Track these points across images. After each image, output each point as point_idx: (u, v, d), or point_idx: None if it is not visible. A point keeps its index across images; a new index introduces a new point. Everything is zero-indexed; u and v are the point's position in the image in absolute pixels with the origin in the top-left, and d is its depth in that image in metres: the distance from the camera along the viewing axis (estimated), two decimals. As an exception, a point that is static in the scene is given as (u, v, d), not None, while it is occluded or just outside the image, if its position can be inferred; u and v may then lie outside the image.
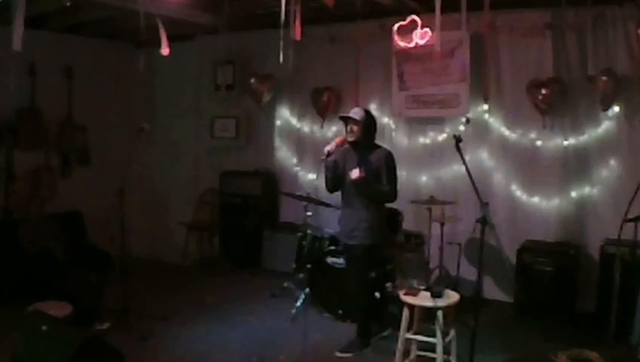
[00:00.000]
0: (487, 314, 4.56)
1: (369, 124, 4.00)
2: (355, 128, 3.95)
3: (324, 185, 4.19)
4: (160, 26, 4.32)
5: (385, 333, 4.28)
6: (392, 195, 4.02)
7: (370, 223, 4.00)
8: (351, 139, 3.98)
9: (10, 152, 5.56)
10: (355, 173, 3.87)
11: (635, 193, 3.76)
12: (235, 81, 6.54)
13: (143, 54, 5.13)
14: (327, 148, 3.95)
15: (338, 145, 3.98)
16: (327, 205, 5.08)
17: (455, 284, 4.92)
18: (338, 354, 4.02)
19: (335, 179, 4.10)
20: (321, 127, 6.07)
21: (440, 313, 3.37)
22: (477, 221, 3.09)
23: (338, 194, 4.25)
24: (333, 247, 4.86)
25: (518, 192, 5.21)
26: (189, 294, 5.45)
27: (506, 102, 5.22)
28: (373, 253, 4.07)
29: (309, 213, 5.23)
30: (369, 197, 3.97)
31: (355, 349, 4.06)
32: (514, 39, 5.10)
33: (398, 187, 4.10)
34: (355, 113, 3.98)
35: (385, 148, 4.10)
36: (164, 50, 4.39)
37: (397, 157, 4.17)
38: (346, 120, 4.00)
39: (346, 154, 4.07)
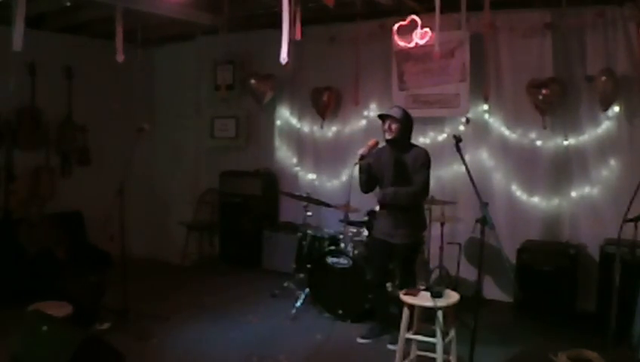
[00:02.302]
0: (487, 314, 4.55)
1: (406, 123, 4.06)
2: (393, 126, 4.01)
3: (358, 186, 4.20)
4: (118, 30, 4.32)
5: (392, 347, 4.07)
6: (417, 193, 4.01)
7: (413, 221, 4.10)
8: (389, 137, 4.03)
9: (10, 152, 5.56)
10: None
11: (635, 193, 3.75)
12: (235, 81, 6.54)
13: (138, 52, 5.11)
14: (361, 151, 4.01)
15: (371, 148, 4.03)
16: (327, 205, 5.09)
17: (455, 284, 4.92)
18: (360, 341, 4.25)
19: (370, 181, 4.15)
20: (321, 127, 6.07)
21: (440, 313, 3.36)
22: (477, 221, 3.09)
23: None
24: (333, 247, 4.85)
25: (518, 192, 5.20)
26: (189, 294, 5.45)
27: (506, 102, 5.22)
28: (415, 250, 4.26)
29: (309, 213, 5.25)
30: (404, 205, 4.04)
31: (374, 335, 4.27)
32: (514, 39, 5.10)
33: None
34: (394, 112, 4.05)
35: (422, 148, 4.14)
36: (119, 57, 4.41)
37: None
38: (385, 118, 4.05)
39: (381, 154, 4.11)
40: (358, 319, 4.56)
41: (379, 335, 4.26)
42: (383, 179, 4.11)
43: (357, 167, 4.08)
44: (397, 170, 4.03)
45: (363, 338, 4.27)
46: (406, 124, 4.05)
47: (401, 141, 4.05)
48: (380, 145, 4.09)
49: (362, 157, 4.00)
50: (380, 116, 4.13)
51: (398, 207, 4.03)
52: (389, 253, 4.17)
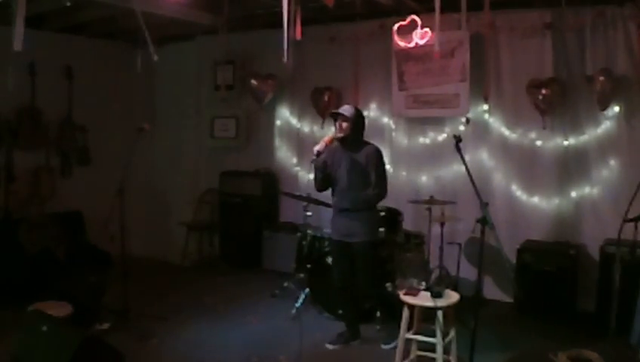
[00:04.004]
0: (487, 314, 4.56)
1: (358, 121, 4.05)
2: (344, 125, 4.00)
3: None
4: (143, 31, 4.32)
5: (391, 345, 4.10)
6: (381, 195, 4.08)
7: (368, 220, 4.07)
8: (339, 135, 4.02)
9: (10, 152, 5.56)
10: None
11: (635, 193, 3.76)
12: (235, 81, 6.54)
13: (140, 54, 5.11)
14: (317, 147, 3.99)
15: (327, 144, 4.02)
16: (327, 205, 5.07)
17: (455, 284, 4.92)
18: (328, 346, 4.17)
19: (325, 179, 4.15)
20: (322, 127, 6.06)
21: (440, 313, 3.37)
22: (477, 221, 3.09)
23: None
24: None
25: (518, 192, 5.21)
26: (189, 294, 5.45)
27: (506, 102, 5.22)
28: (374, 248, 4.18)
29: (309, 213, 5.24)
30: (360, 208, 4.04)
31: (342, 341, 4.22)
32: (514, 39, 5.10)
33: (397, 186, 4.12)
34: (345, 110, 4.04)
35: (373, 145, 4.13)
36: (154, 57, 4.41)
37: (397, 157, 4.18)
38: (336, 116, 4.06)
39: (335, 152, 4.11)
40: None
41: (348, 342, 4.22)
42: (336, 177, 4.10)
43: (313, 165, 4.07)
44: (350, 169, 4.02)
45: (331, 344, 4.19)
46: (357, 123, 4.03)
47: (353, 139, 4.04)
48: (335, 143, 4.08)
49: (319, 154, 3.99)
50: (332, 114, 4.13)
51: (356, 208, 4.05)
52: (349, 253, 4.13)
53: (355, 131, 4.03)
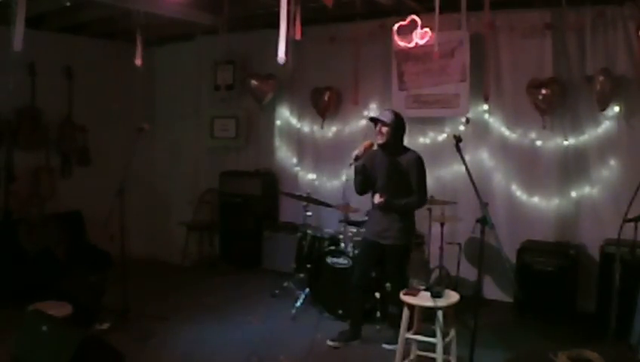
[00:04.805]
0: (487, 314, 4.56)
1: (398, 126, 4.03)
2: (384, 130, 3.98)
3: (353, 187, 4.21)
4: (138, 36, 4.33)
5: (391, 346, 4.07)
6: (421, 203, 4.09)
7: (404, 224, 4.06)
8: (380, 141, 4.01)
9: (10, 152, 5.56)
10: (377, 199, 4.03)
11: (635, 193, 3.76)
12: (235, 81, 6.54)
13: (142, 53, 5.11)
14: (356, 152, 3.98)
15: (367, 149, 4.01)
16: (328, 205, 5.09)
17: (455, 284, 4.93)
18: (329, 343, 4.18)
19: (365, 182, 4.14)
20: (321, 127, 6.07)
21: (440, 313, 3.37)
22: (477, 221, 3.09)
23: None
24: (333, 247, 4.86)
25: (518, 192, 5.21)
26: (189, 294, 5.45)
27: (506, 102, 5.22)
28: (407, 252, 4.18)
29: (309, 213, 5.25)
30: (397, 212, 4.04)
31: (343, 339, 4.22)
32: (514, 39, 5.10)
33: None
34: (385, 116, 4.03)
35: (414, 152, 4.09)
36: (138, 61, 4.41)
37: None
38: (376, 122, 4.04)
39: (374, 156, 4.09)
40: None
41: (348, 341, 4.22)
42: (376, 181, 4.10)
43: (352, 168, 4.07)
44: (390, 173, 4.01)
45: (332, 340, 4.20)
46: (397, 128, 4.01)
47: (393, 145, 4.03)
48: (375, 147, 4.07)
49: (357, 158, 3.99)
50: (372, 119, 4.11)
51: (392, 209, 4.04)
52: (378, 254, 4.13)
53: (395, 136, 4.01)
